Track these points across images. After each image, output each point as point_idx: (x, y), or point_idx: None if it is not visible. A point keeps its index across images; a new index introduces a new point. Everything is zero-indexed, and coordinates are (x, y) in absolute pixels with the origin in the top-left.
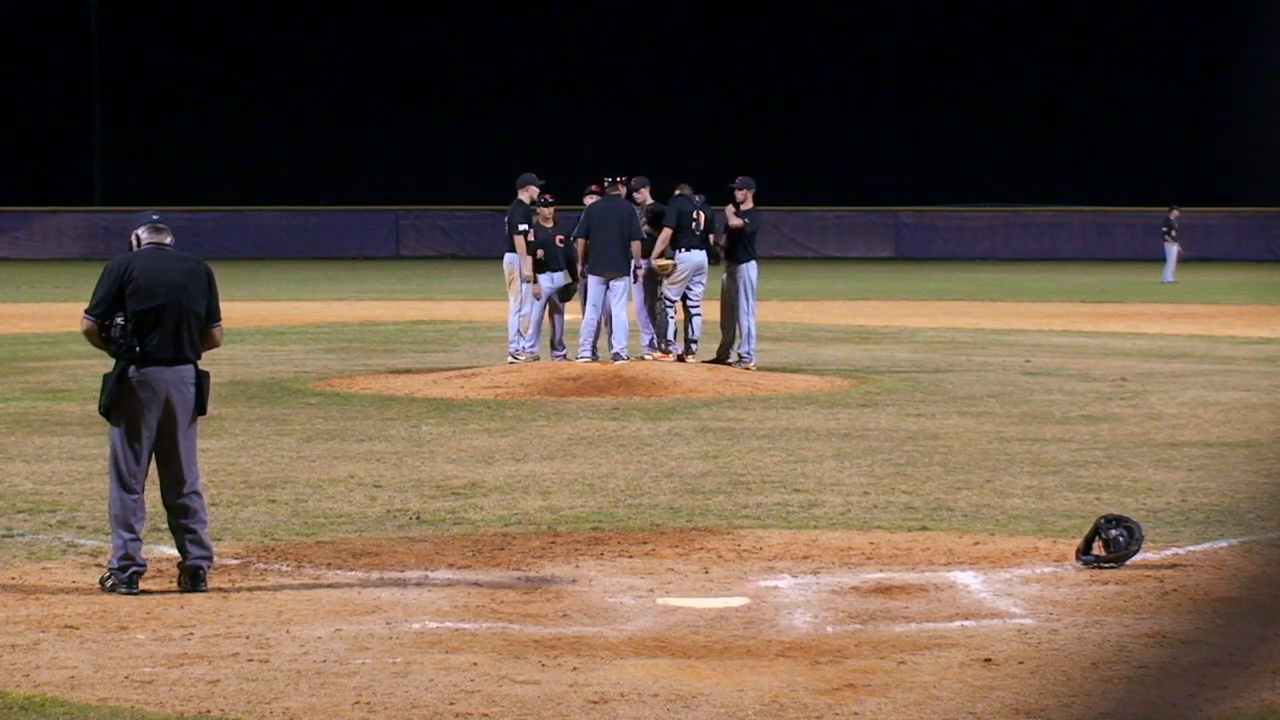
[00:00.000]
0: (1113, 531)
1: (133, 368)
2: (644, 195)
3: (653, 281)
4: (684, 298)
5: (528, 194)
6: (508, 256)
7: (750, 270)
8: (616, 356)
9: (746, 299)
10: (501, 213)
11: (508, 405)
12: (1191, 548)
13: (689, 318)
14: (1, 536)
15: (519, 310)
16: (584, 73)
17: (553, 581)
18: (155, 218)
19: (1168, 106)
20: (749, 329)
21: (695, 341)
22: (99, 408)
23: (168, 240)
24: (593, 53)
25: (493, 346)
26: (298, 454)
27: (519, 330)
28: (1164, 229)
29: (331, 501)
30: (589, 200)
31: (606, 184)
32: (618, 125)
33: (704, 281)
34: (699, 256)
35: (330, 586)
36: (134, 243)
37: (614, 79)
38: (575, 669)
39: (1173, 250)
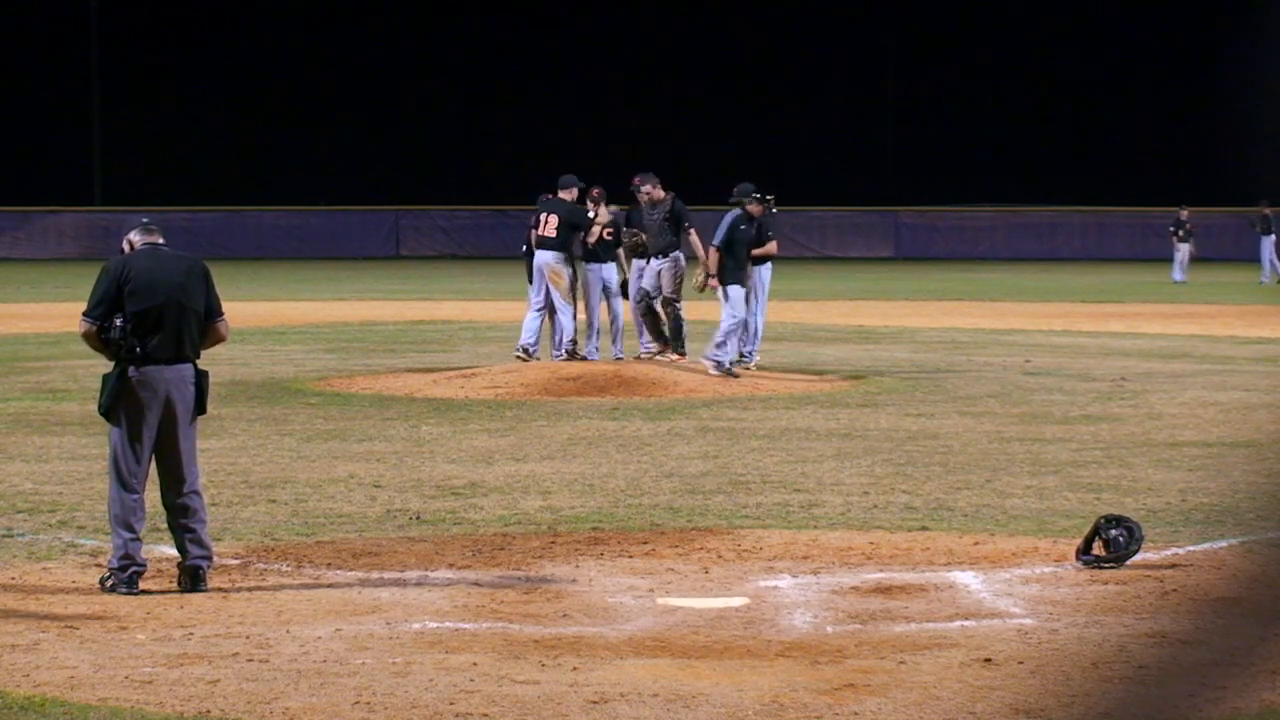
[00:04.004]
0: (1113, 531)
1: (132, 367)
2: (602, 212)
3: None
4: (671, 299)
5: (570, 195)
6: (549, 255)
7: (764, 270)
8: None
9: (756, 298)
10: (502, 213)
11: (508, 405)
12: (1191, 548)
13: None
14: (1, 536)
15: (570, 312)
16: (584, 73)
17: (553, 581)
18: (145, 220)
19: (1168, 106)
20: (756, 328)
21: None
22: (99, 408)
23: (160, 240)
24: (593, 53)
25: (493, 347)
26: (298, 454)
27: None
28: (1173, 229)
29: (331, 501)
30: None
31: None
32: (618, 125)
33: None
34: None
35: (330, 586)
36: (126, 248)
37: (614, 79)
38: (575, 669)
39: (1183, 250)
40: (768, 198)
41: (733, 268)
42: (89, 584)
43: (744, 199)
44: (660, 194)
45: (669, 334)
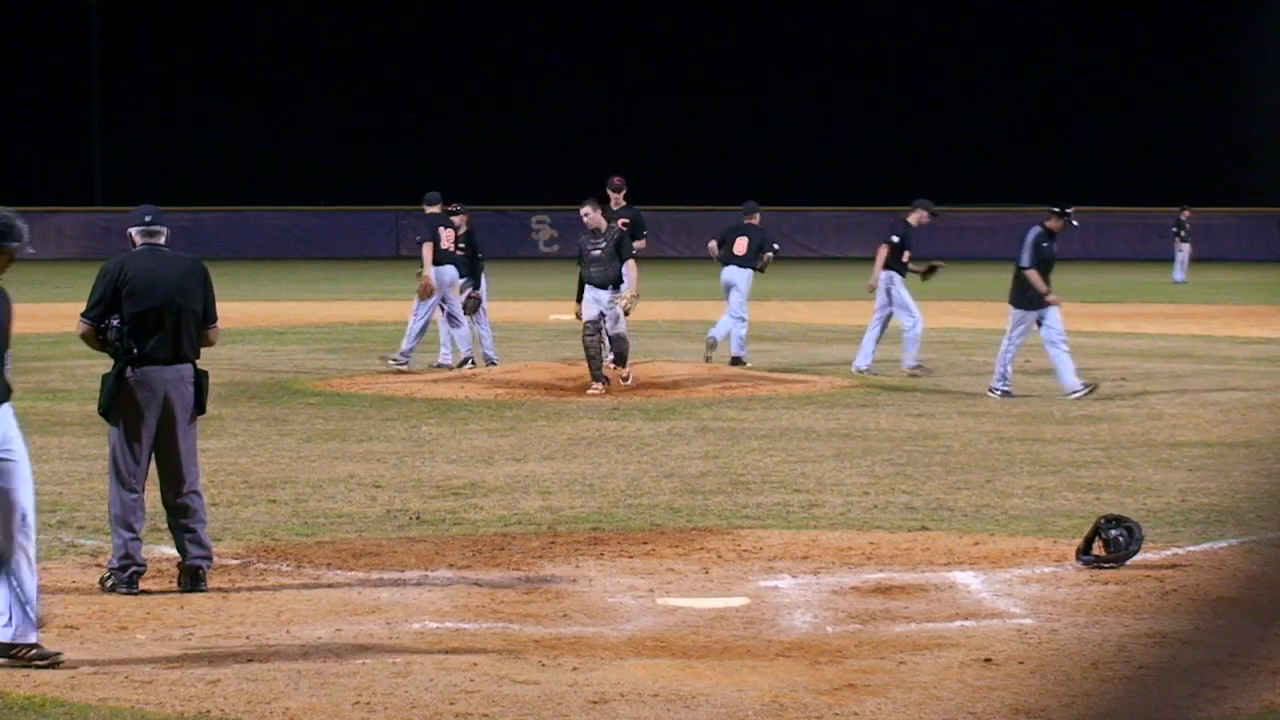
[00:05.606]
0: (1113, 531)
1: (130, 368)
2: (459, 220)
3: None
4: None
5: (438, 209)
6: (455, 270)
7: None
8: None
9: (909, 308)
10: (505, 213)
11: (508, 405)
12: (1191, 548)
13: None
14: None
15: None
16: (584, 73)
17: (553, 581)
18: (149, 219)
19: (1168, 106)
20: (917, 334)
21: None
22: (98, 408)
23: (161, 240)
24: (593, 53)
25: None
26: (298, 454)
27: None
28: (1174, 230)
29: (331, 501)
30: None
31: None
32: (618, 125)
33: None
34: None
35: (330, 586)
36: (129, 240)
37: (614, 79)
38: (575, 669)
39: (1184, 250)
40: (1067, 211)
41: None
42: (89, 584)
43: (1062, 212)
44: (602, 221)
45: (615, 357)
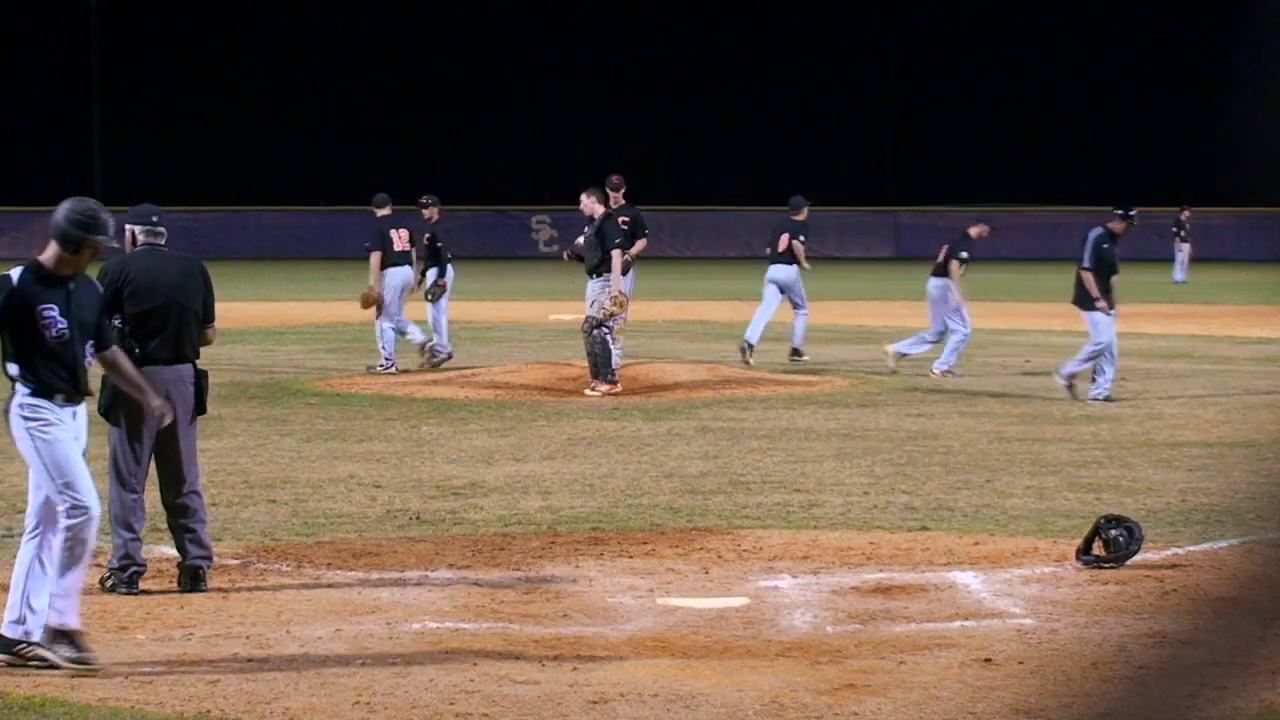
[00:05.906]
0: (1113, 531)
1: None
2: (431, 213)
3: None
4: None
5: (387, 211)
6: (410, 271)
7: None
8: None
9: (959, 310)
10: (502, 213)
11: (508, 405)
12: (1191, 548)
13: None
14: (1, 536)
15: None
16: (583, 72)
17: (553, 581)
18: (155, 219)
19: (1168, 106)
20: (964, 337)
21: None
22: (99, 408)
23: (162, 242)
24: (592, 52)
25: (493, 346)
26: (298, 454)
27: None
28: (1174, 230)
29: (331, 501)
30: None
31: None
32: (617, 125)
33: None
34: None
35: (330, 586)
36: (129, 237)
37: (613, 79)
38: (575, 669)
39: (1184, 250)
40: (1131, 214)
41: (1099, 290)
42: (89, 584)
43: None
44: (596, 208)
45: (598, 362)
